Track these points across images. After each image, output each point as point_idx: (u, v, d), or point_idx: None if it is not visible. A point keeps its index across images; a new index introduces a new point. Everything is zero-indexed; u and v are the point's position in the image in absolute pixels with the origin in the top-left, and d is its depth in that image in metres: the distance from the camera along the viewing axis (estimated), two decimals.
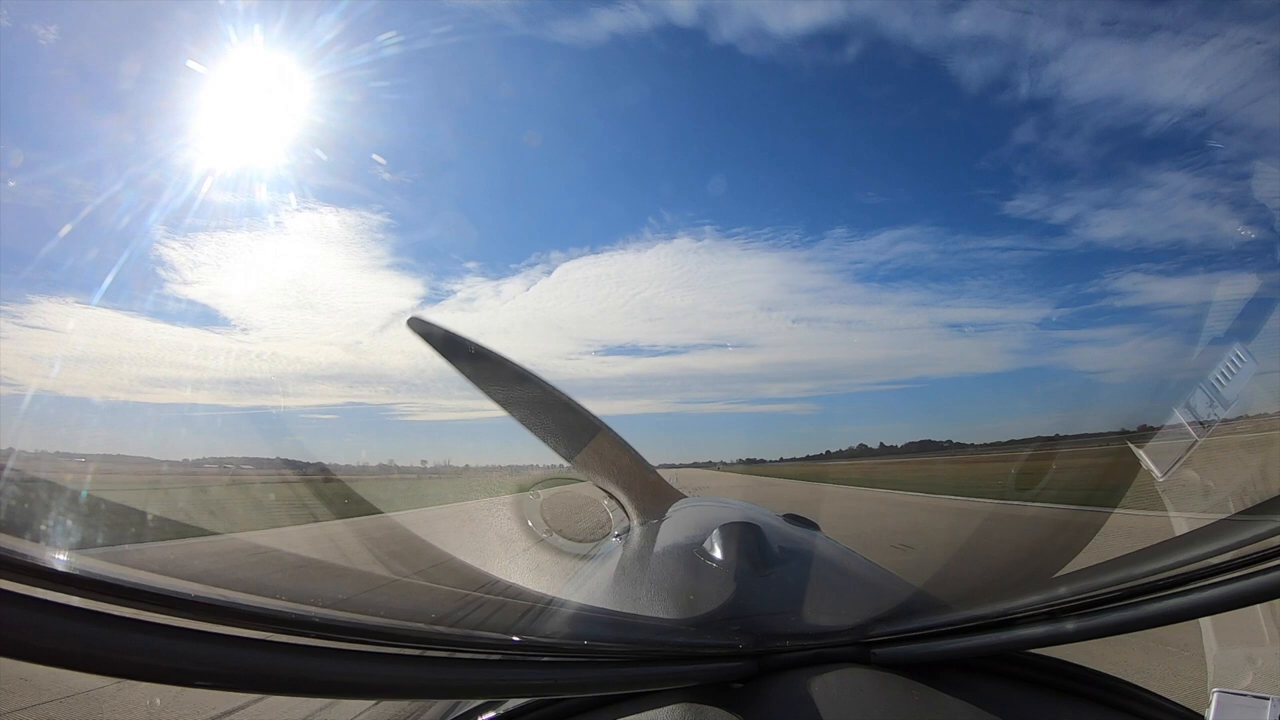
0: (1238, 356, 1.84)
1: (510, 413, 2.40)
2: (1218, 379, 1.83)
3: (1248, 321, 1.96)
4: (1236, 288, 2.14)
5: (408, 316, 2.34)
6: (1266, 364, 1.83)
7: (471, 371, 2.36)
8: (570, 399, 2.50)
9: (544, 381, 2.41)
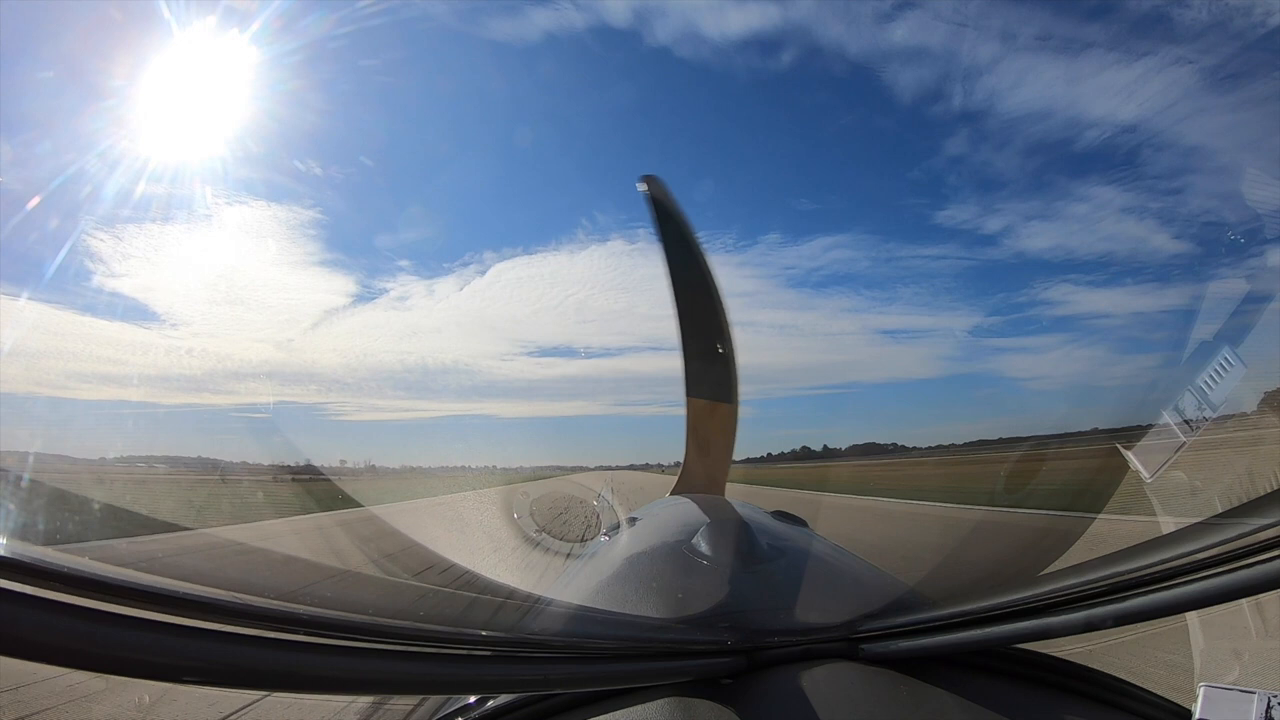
0: (1226, 360, 1.84)
1: (682, 327, 2.36)
2: (1206, 382, 1.83)
3: (1235, 325, 1.97)
4: (1223, 291, 2.15)
5: (641, 176, 2.29)
6: (1255, 366, 1.84)
7: (677, 267, 2.31)
8: (734, 361, 2.49)
9: (728, 327, 2.38)
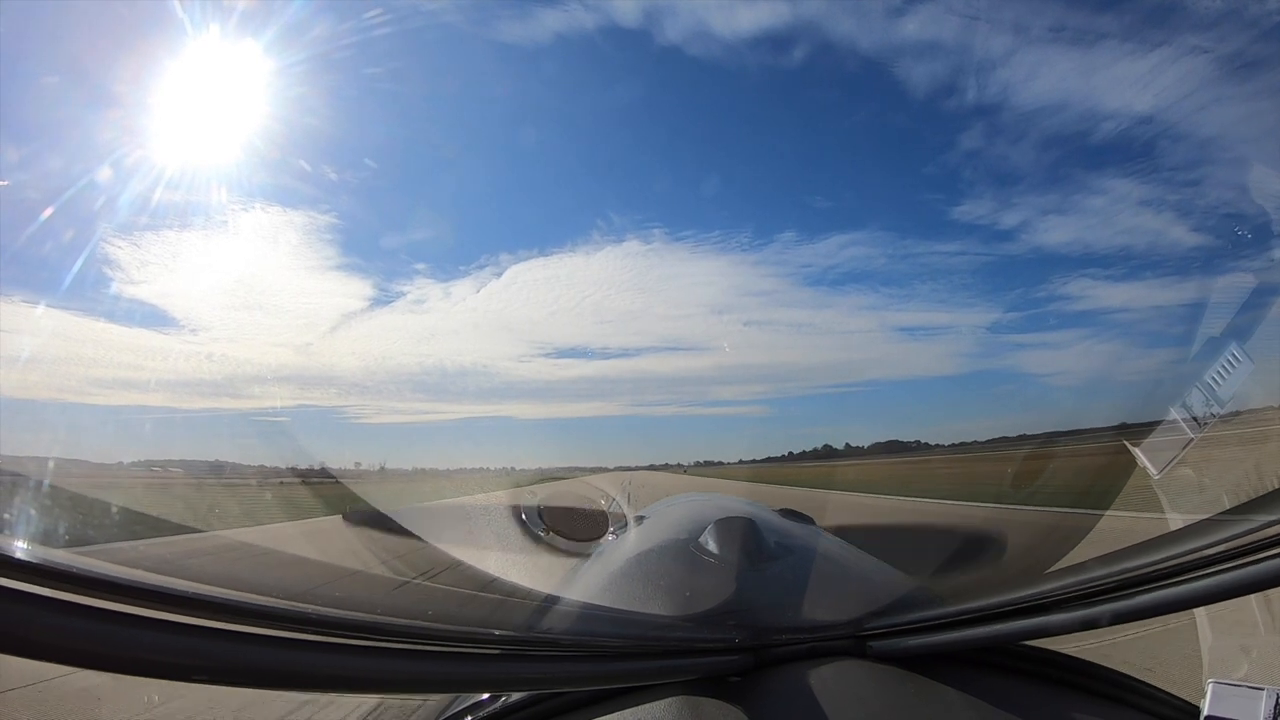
0: (1234, 356, 1.83)
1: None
2: (1214, 378, 1.82)
3: (1244, 321, 1.96)
4: (1231, 286, 2.14)
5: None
6: (1263, 362, 1.83)
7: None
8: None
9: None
